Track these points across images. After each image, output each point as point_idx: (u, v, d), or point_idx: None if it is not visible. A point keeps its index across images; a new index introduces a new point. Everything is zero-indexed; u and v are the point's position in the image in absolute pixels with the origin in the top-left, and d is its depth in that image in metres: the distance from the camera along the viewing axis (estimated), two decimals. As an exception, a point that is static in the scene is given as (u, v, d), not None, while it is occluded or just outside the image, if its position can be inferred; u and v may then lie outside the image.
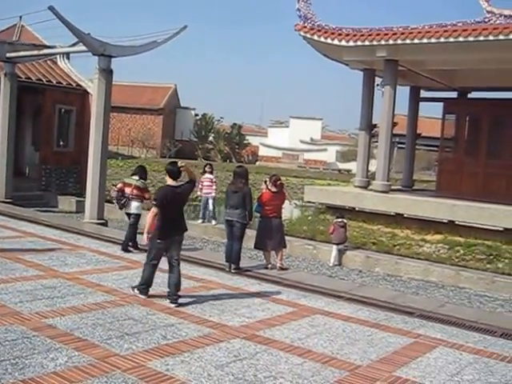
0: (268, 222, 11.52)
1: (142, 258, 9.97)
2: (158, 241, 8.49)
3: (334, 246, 14.03)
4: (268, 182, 11.64)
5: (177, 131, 64.62)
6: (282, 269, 11.65)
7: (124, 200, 11.93)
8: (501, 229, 15.05)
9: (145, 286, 8.73)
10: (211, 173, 17.40)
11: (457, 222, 15.80)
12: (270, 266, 11.86)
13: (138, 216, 12.13)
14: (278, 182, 11.58)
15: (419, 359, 7.25)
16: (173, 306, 8.36)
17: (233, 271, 11.14)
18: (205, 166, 17.57)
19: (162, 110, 61.14)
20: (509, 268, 13.61)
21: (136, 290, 8.75)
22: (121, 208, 12.23)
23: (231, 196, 11.19)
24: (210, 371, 6.02)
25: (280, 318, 8.47)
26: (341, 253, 14.01)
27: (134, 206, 11.98)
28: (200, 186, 17.10)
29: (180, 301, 8.47)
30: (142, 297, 8.63)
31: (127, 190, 11.91)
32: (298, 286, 10.67)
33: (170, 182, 8.63)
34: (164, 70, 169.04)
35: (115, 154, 48.57)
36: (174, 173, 8.60)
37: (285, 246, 12.05)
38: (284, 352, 6.97)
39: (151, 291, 8.80)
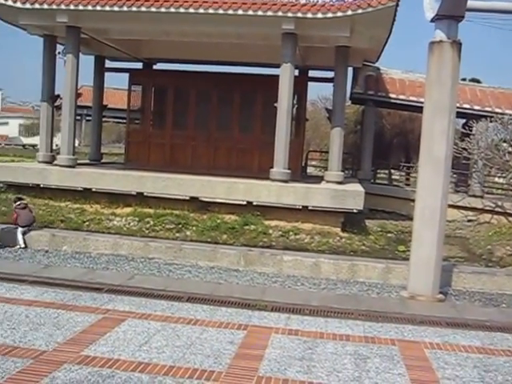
0: None
1: None
2: None
3: (20, 229, 13.02)
4: None
5: None
6: None
7: None
8: (187, 198, 15.57)
9: None
10: None
11: (146, 194, 15.91)
12: None
13: None
14: None
15: (108, 334, 7.13)
16: None
17: None
18: None
19: None
20: (196, 235, 14.16)
21: None
22: None
23: None
24: None
25: (-51, 312, 7.57)
26: (25, 234, 13.04)
27: None
28: None
29: None
30: None
31: None
32: (-27, 275, 9.69)
33: None
34: None
35: None
36: None
37: None
38: (-45, 350, 6.23)
39: None
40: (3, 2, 15.84)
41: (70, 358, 6.29)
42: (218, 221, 14.72)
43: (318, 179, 17.95)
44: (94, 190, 16.09)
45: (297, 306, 9.19)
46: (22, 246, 12.89)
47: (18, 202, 13.63)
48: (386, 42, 17.01)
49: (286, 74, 15.62)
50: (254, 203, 15.17)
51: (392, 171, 25.80)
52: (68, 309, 8.13)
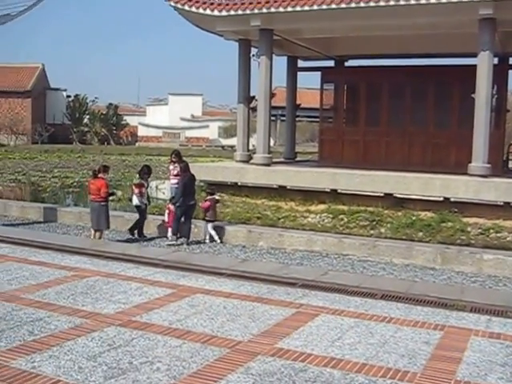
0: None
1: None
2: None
3: (210, 224, 13.63)
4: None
5: (48, 114, 61.10)
6: None
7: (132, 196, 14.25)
8: (381, 194, 15.32)
9: None
10: (179, 162, 14.59)
11: (339, 191, 15.92)
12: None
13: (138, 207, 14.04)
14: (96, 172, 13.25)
15: (301, 329, 7.13)
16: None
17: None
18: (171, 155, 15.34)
19: (29, 93, 57.37)
20: (390, 232, 13.86)
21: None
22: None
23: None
24: (81, 363, 5.63)
25: (158, 300, 8.12)
26: (219, 229, 13.63)
27: (138, 199, 13.94)
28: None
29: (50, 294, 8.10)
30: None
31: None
32: (177, 267, 10.31)
33: None
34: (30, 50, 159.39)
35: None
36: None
37: (106, 227, 13.22)
38: (162, 335, 6.69)
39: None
40: (202, 12, 16.84)
41: (264, 349, 6.40)
42: (413, 218, 14.27)
43: (522, 173, 16.69)
44: (288, 187, 16.46)
45: (499, 307, 8.54)
46: (217, 241, 13.46)
47: (217, 198, 14.26)
48: None
49: (484, 63, 14.71)
50: (452, 199, 14.49)
51: None
52: (263, 302, 8.31)
